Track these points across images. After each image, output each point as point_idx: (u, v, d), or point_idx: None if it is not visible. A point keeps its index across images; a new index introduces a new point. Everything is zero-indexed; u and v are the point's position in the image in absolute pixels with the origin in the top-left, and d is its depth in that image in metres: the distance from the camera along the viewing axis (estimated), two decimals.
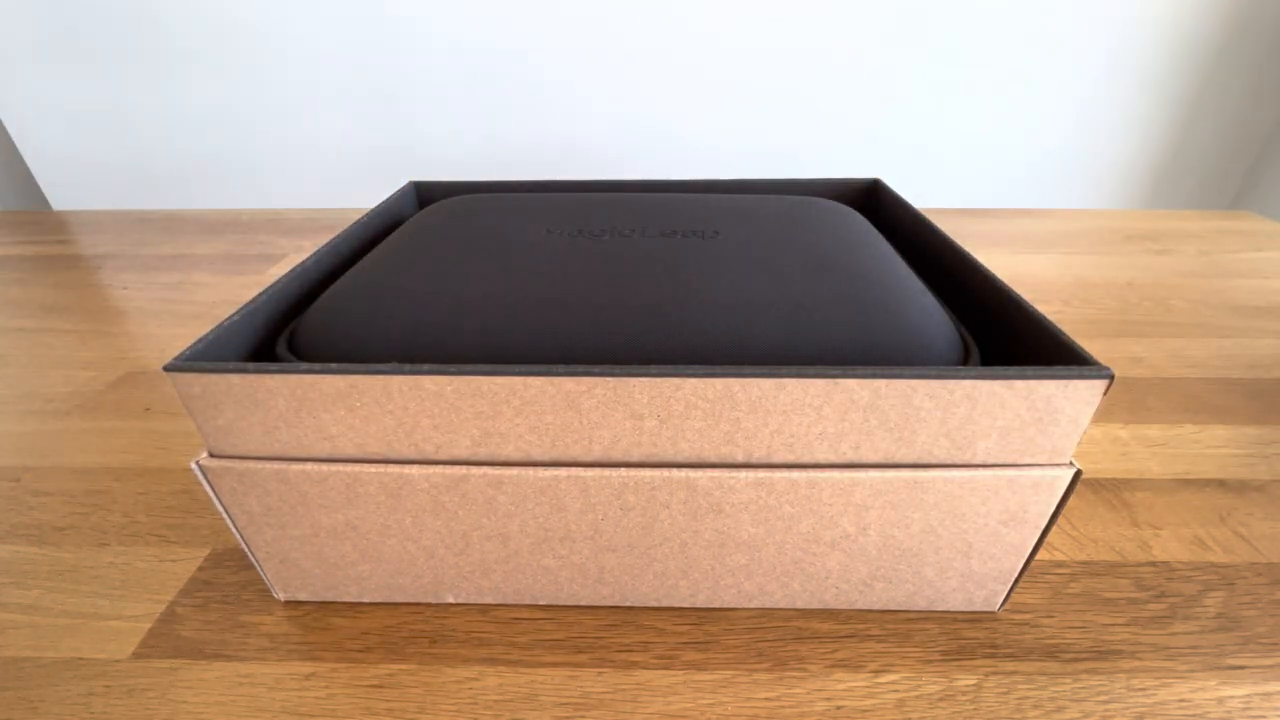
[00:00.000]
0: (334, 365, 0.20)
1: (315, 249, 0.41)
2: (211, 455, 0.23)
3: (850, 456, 0.22)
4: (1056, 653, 0.25)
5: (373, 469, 0.23)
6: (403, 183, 0.44)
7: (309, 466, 0.23)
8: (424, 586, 0.27)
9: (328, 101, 1.06)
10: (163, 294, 0.57)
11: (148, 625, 0.27)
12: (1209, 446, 0.36)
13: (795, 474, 0.22)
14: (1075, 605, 0.27)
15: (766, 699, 0.24)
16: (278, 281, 0.28)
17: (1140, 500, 0.33)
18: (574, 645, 0.26)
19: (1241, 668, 0.25)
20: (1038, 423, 0.21)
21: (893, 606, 0.27)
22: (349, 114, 1.07)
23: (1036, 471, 0.22)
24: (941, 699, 0.24)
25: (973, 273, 0.29)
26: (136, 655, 0.25)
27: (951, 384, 0.20)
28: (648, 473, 0.22)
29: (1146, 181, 1.10)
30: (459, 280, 0.27)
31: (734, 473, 0.22)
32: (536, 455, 0.22)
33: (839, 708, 0.23)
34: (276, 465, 0.23)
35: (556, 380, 0.20)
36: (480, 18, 0.98)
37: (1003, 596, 0.26)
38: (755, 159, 1.07)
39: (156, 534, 0.31)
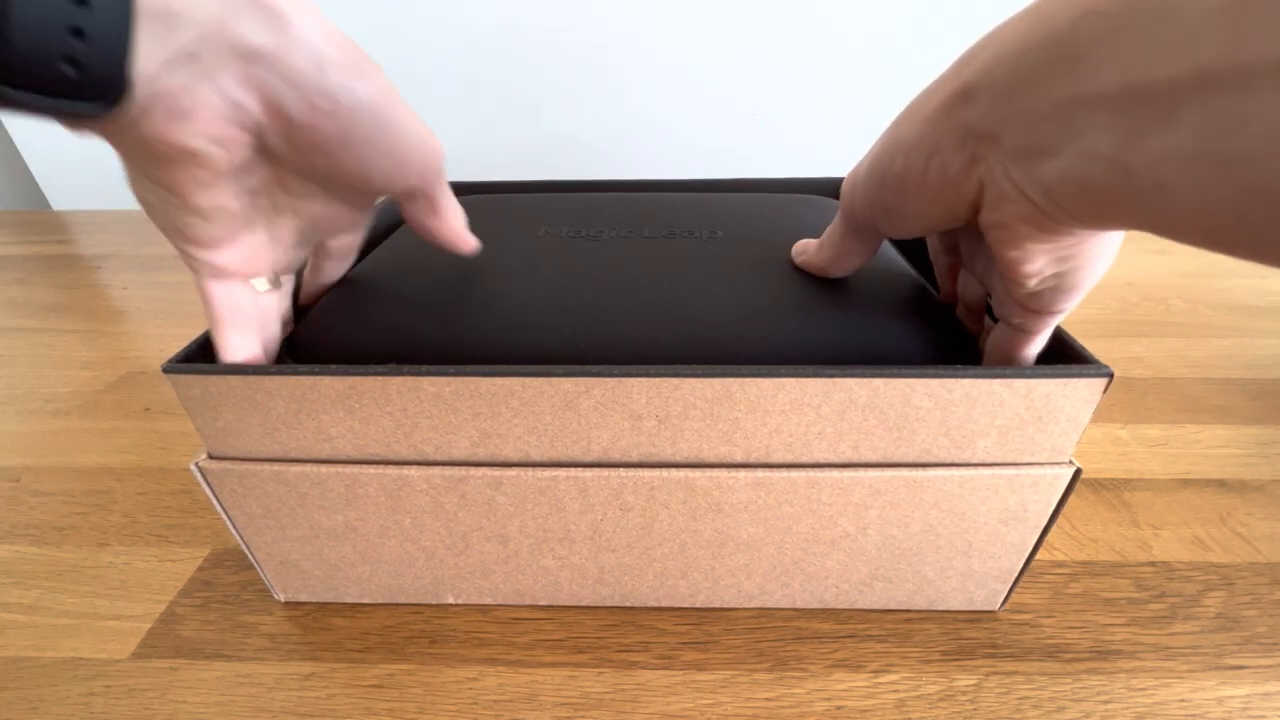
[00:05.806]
0: (333, 367, 0.20)
1: None
2: (211, 457, 0.23)
3: (849, 456, 0.22)
4: (1056, 653, 0.25)
5: (372, 470, 0.23)
6: None
7: (308, 468, 0.23)
8: (424, 587, 0.27)
9: None
10: (163, 294, 0.57)
11: (148, 625, 0.27)
12: (1209, 446, 0.36)
13: (794, 473, 0.22)
14: (1075, 605, 0.27)
15: (766, 699, 0.24)
16: None
17: (1140, 500, 0.33)
18: (574, 645, 0.26)
19: (1241, 668, 0.25)
20: (1037, 421, 0.21)
21: (893, 606, 0.27)
22: None
23: (1036, 470, 0.22)
24: (941, 699, 0.24)
25: None
26: (136, 655, 0.25)
27: (950, 383, 0.20)
28: (647, 473, 0.22)
29: None
30: (458, 281, 0.27)
31: (733, 472, 0.22)
32: (535, 456, 0.22)
33: (839, 708, 0.23)
34: (276, 466, 0.23)
35: (555, 381, 0.20)
36: (478, 17, 0.98)
37: (1003, 596, 0.26)
38: (755, 159, 1.07)
39: (156, 534, 0.31)
